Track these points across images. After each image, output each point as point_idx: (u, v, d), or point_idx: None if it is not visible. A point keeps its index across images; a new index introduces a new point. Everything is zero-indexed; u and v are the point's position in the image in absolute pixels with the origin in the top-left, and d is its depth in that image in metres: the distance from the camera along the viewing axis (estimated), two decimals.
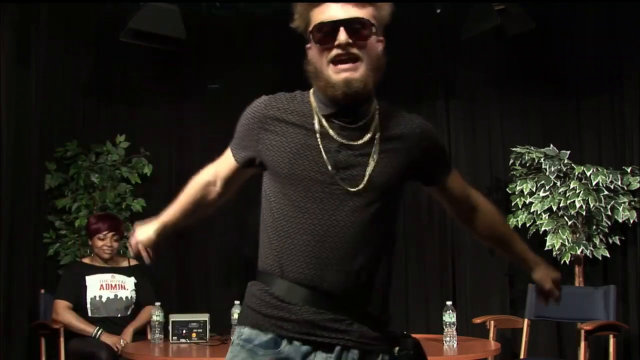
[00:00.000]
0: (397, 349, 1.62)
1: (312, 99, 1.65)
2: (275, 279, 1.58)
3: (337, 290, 1.54)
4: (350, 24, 1.53)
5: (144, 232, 1.86)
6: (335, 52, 1.54)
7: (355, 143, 1.59)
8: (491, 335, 4.05)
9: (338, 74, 1.55)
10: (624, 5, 4.62)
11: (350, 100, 1.57)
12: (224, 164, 1.77)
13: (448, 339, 3.39)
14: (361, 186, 1.56)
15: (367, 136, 1.61)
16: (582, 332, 3.90)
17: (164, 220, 1.87)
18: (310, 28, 1.58)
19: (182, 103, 5.24)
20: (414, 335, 1.68)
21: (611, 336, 4.02)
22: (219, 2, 4.94)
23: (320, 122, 1.60)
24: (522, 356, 4.25)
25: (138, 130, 5.15)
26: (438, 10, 4.85)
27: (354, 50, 1.54)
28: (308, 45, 1.63)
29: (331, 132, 1.59)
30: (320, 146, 1.57)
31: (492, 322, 4.12)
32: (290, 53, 5.37)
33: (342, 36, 1.52)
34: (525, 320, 4.32)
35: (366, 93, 1.59)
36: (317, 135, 1.58)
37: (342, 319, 1.55)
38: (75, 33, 4.95)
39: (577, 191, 4.44)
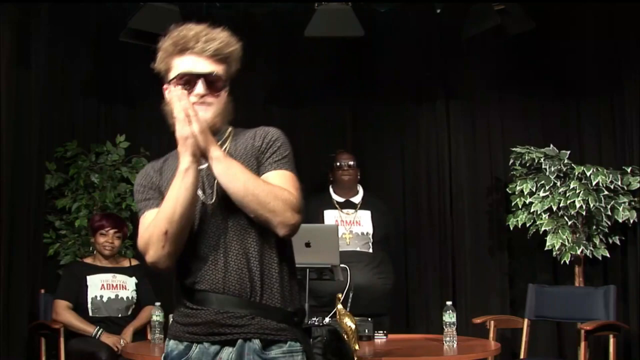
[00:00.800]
0: (311, 339, 1.79)
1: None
2: (192, 292, 1.77)
3: (234, 290, 1.72)
4: (207, 78, 1.79)
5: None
6: (192, 99, 1.76)
7: (204, 166, 1.78)
8: (491, 335, 4.05)
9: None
10: (623, 5, 4.62)
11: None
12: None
13: (448, 339, 3.38)
14: (214, 198, 1.77)
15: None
16: (582, 332, 3.90)
17: None
18: (173, 75, 1.80)
19: None
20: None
21: (611, 336, 4.02)
22: (219, 2, 4.94)
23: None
24: (522, 356, 4.25)
25: (138, 130, 5.15)
26: (438, 10, 4.86)
27: (208, 99, 1.79)
28: (165, 87, 1.84)
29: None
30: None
31: (492, 322, 4.11)
32: (290, 53, 5.41)
33: (201, 88, 1.78)
34: (525, 320, 4.32)
35: (215, 130, 1.80)
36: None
37: (243, 315, 1.71)
38: (75, 33, 4.95)
39: (577, 191, 4.45)
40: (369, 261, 4.26)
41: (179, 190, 1.70)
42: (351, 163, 4.44)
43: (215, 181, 1.76)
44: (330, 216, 4.37)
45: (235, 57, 1.85)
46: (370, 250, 4.34)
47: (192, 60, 1.79)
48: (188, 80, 1.78)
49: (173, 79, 1.80)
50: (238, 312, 1.71)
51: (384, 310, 4.22)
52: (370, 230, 4.37)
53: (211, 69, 1.79)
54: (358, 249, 4.29)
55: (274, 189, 1.72)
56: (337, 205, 4.42)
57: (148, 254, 1.74)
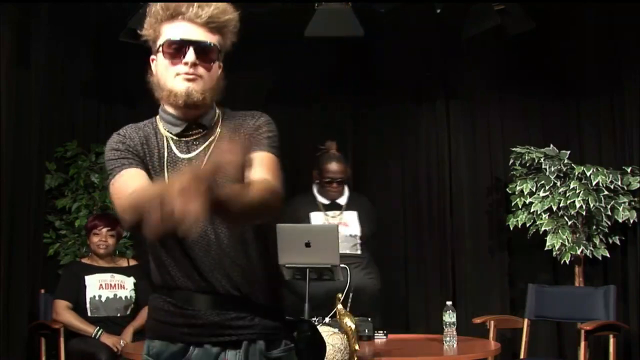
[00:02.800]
0: (295, 333, 1.74)
1: (158, 121, 1.77)
2: (175, 291, 1.66)
3: (233, 291, 1.65)
4: (199, 46, 1.64)
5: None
6: (181, 68, 1.65)
7: (194, 154, 1.68)
8: (491, 335, 4.05)
9: (181, 84, 1.65)
10: (624, 5, 4.62)
11: (189, 109, 1.67)
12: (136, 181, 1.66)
13: (448, 339, 3.39)
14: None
15: (206, 143, 1.70)
16: (582, 332, 3.90)
17: None
18: (161, 42, 1.68)
19: None
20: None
21: (611, 336, 4.02)
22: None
23: (167, 145, 1.71)
24: (522, 356, 4.25)
25: None
26: (438, 10, 4.85)
27: (199, 70, 1.65)
28: (153, 57, 1.73)
29: (176, 151, 1.70)
30: (172, 164, 1.69)
31: (492, 322, 4.11)
32: (290, 53, 5.41)
33: (191, 56, 1.63)
34: (525, 320, 4.32)
35: (204, 106, 1.68)
36: (165, 161, 1.69)
37: (244, 315, 1.65)
38: (75, 33, 4.94)
39: (577, 191, 4.44)
40: (358, 263, 4.22)
41: (156, 191, 1.42)
42: (340, 179, 4.25)
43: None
44: (316, 219, 4.23)
45: (231, 27, 1.71)
46: (359, 252, 4.29)
47: (183, 26, 1.66)
48: (177, 48, 1.65)
49: (161, 46, 1.68)
50: (239, 314, 1.65)
51: (376, 310, 4.21)
52: (358, 232, 4.30)
53: (205, 37, 1.66)
54: (347, 251, 4.16)
55: (261, 197, 1.53)
56: (321, 208, 4.29)
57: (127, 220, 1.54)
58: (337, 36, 4.57)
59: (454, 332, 3.41)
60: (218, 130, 1.72)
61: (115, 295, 4.18)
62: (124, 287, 4.22)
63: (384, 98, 5.24)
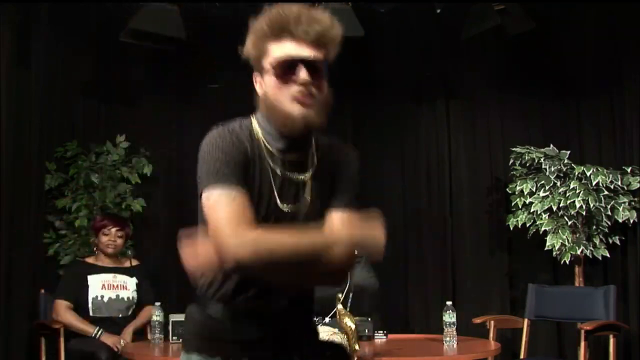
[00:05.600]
0: (329, 353, 1.76)
1: (257, 129, 1.65)
2: (215, 303, 1.62)
3: (276, 309, 1.61)
4: (311, 64, 1.58)
5: None
6: (296, 88, 1.57)
7: (299, 177, 1.64)
8: (491, 335, 4.05)
9: (299, 110, 1.57)
10: (623, 5, 4.62)
11: (303, 134, 1.62)
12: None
13: (448, 339, 3.38)
14: (302, 216, 1.62)
15: (309, 170, 1.66)
16: (582, 332, 3.90)
17: None
18: (270, 61, 1.59)
19: (182, 103, 5.24)
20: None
21: (611, 336, 4.02)
22: (219, 2, 4.94)
23: (270, 156, 1.62)
24: (522, 356, 4.25)
25: (138, 130, 5.15)
26: (438, 10, 4.85)
27: (313, 90, 1.58)
28: (255, 77, 1.65)
29: (277, 167, 1.62)
30: (272, 180, 1.61)
31: (492, 322, 4.11)
32: None
33: (305, 75, 1.56)
34: (525, 320, 4.32)
35: (319, 129, 1.65)
36: (269, 171, 1.62)
37: (283, 335, 1.63)
38: (75, 33, 4.95)
39: (577, 191, 4.45)
40: (356, 262, 4.21)
41: (324, 240, 1.53)
42: None
43: (301, 192, 1.62)
44: None
45: (337, 41, 1.65)
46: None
47: (291, 45, 1.57)
48: (289, 67, 1.56)
49: (270, 65, 1.58)
50: (278, 331, 1.63)
51: (375, 310, 4.20)
52: None
53: (315, 54, 1.59)
54: None
55: (345, 267, 1.61)
56: None
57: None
58: None
59: (454, 332, 3.41)
60: (315, 160, 1.67)
61: (117, 295, 4.18)
62: (126, 287, 4.22)
63: (384, 98, 5.25)
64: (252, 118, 1.66)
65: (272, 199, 1.59)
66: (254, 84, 1.66)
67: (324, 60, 1.61)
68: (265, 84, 1.61)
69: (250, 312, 1.60)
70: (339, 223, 1.63)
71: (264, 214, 1.57)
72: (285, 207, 1.60)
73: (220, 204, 1.50)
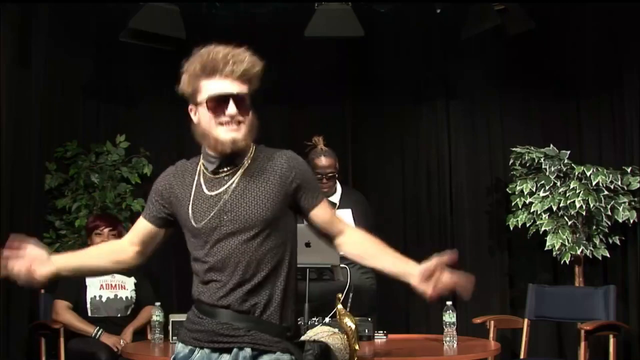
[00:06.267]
0: (304, 352, 1.98)
1: (200, 158, 2.01)
2: (197, 301, 1.96)
3: (237, 307, 1.89)
4: (238, 98, 1.88)
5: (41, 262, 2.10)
6: (224, 119, 1.88)
7: (213, 193, 1.95)
8: (491, 335, 4.05)
9: (226, 134, 1.89)
10: (623, 5, 4.62)
11: (233, 153, 1.92)
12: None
13: (448, 339, 3.38)
14: (239, 224, 1.89)
15: (234, 180, 1.95)
16: (582, 332, 3.90)
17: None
18: (203, 97, 1.90)
19: (182, 103, 5.22)
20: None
21: (611, 336, 4.02)
22: (219, 2, 4.94)
23: (198, 179, 1.98)
24: (522, 356, 4.25)
25: (138, 130, 5.15)
26: (438, 10, 4.85)
27: (239, 118, 1.89)
28: (191, 107, 1.97)
29: (204, 188, 1.96)
30: (198, 201, 1.96)
31: (492, 322, 4.11)
32: (290, 53, 5.40)
33: (233, 109, 1.87)
34: (525, 320, 4.32)
35: (246, 148, 1.95)
36: (192, 194, 1.97)
37: (241, 327, 1.89)
38: (75, 33, 4.95)
39: (577, 191, 4.44)
40: (354, 262, 4.16)
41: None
42: (330, 173, 4.03)
43: (238, 205, 1.90)
44: None
45: (258, 76, 1.94)
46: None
47: (220, 82, 1.88)
48: (219, 102, 1.87)
49: (204, 101, 1.89)
50: (236, 325, 1.89)
51: (375, 310, 4.19)
52: None
53: (241, 89, 1.89)
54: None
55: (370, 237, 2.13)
56: None
57: None
58: (337, 36, 4.57)
59: (454, 332, 3.40)
60: (246, 163, 1.95)
61: (115, 295, 4.18)
62: (125, 287, 4.22)
63: (384, 98, 5.24)
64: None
65: (188, 219, 1.95)
66: (190, 114, 1.97)
67: (249, 94, 1.92)
68: (199, 115, 1.93)
69: (208, 308, 1.92)
70: (326, 218, 2.05)
71: (191, 233, 1.96)
72: (198, 224, 1.92)
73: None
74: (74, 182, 4.88)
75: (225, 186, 1.92)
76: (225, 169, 1.95)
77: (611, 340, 4.01)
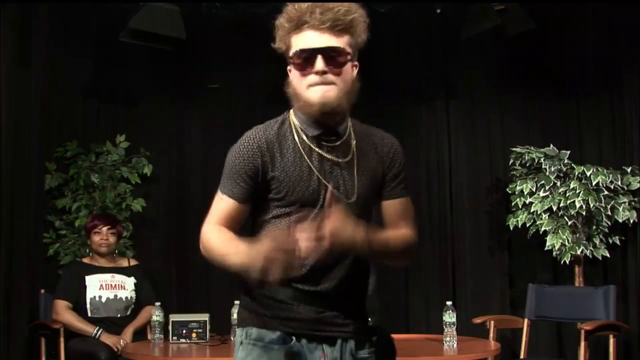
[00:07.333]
0: (375, 338, 1.84)
1: (293, 120, 1.79)
2: (285, 285, 1.69)
3: (331, 292, 1.72)
4: (327, 52, 1.67)
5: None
6: (312, 77, 1.67)
7: (342, 160, 1.75)
8: (491, 335, 4.05)
9: (315, 95, 1.68)
10: (623, 5, 4.62)
11: (326, 117, 1.71)
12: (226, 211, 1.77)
13: (448, 339, 3.39)
14: (354, 198, 1.73)
15: (350, 154, 1.76)
16: (582, 332, 3.90)
17: None
18: (290, 54, 1.71)
19: (182, 103, 5.24)
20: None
21: (611, 336, 4.02)
22: (219, 2, 4.94)
23: (309, 144, 1.74)
24: (522, 356, 4.25)
25: (138, 130, 5.15)
26: (438, 10, 4.85)
27: (330, 77, 1.68)
28: (289, 68, 1.75)
29: (320, 151, 1.74)
30: (313, 167, 1.73)
31: (492, 322, 4.12)
32: None
33: (320, 64, 1.66)
34: (525, 320, 4.32)
35: (341, 112, 1.73)
36: (309, 157, 1.73)
37: (338, 315, 1.74)
38: (75, 33, 4.95)
39: (577, 191, 4.44)
40: None
41: (241, 262, 1.60)
42: None
43: (356, 180, 1.73)
44: None
45: (360, 24, 1.75)
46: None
47: (309, 35, 1.68)
48: (306, 58, 1.67)
49: (291, 59, 1.71)
50: (334, 313, 1.73)
51: (374, 310, 4.19)
52: None
53: (332, 42, 1.67)
54: None
55: (405, 251, 1.80)
56: None
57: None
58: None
59: (454, 332, 3.41)
60: (353, 143, 1.77)
61: (115, 295, 4.18)
62: (124, 287, 4.22)
63: (384, 98, 5.24)
64: (290, 110, 1.80)
65: (312, 178, 1.70)
66: (288, 76, 1.77)
67: (345, 48, 1.70)
68: (291, 74, 1.74)
69: (302, 294, 1.71)
70: (397, 215, 1.81)
71: (307, 194, 1.69)
72: (338, 193, 1.69)
73: (214, 203, 1.77)
74: (74, 182, 4.88)
75: (347, 157, 1.74)
76: (329, 139, 1.75)
77: (611, 340, 4.01)
